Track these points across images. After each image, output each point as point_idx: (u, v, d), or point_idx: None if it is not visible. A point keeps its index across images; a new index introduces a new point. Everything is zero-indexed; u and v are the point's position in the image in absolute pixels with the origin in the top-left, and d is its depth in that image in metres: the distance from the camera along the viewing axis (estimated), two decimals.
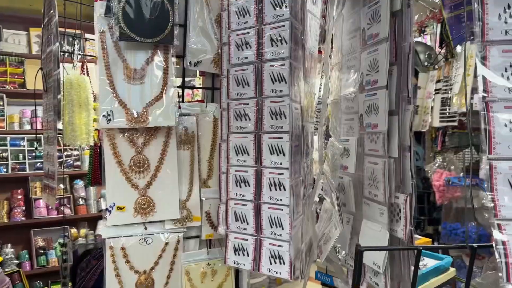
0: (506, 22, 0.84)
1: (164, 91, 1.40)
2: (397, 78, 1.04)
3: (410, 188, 0.99)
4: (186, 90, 1.59)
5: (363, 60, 1.16)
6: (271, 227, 1.26)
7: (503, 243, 0.75)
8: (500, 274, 0.75)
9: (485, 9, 0.85)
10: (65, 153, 3.82)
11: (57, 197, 2.41)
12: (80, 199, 3.86)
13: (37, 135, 3.72)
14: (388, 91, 1.04)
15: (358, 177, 1.20)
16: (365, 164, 1.14)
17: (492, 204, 0.78)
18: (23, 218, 3.71)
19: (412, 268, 0.94)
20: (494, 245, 0.76)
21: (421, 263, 1.47)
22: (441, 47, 2.84)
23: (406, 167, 1.01)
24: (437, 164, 2.57)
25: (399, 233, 0.99)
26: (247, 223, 1.31)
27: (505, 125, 0.80)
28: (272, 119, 1.24)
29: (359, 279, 0.79)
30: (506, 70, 0.83)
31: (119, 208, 1.40)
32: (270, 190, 1.25)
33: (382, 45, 1.06)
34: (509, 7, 0.85)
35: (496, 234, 0.77)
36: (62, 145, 3.55)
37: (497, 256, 0.76)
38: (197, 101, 1.82)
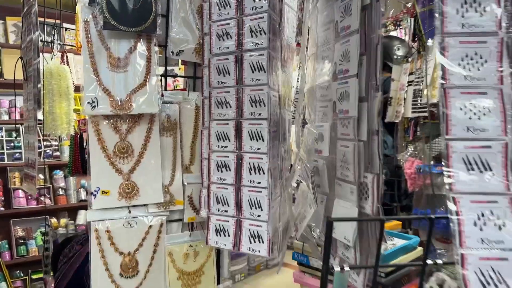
0: (463, 16, 0.93)
1: (147, 79, 1.45)
2: (366, 67, 1.12)
3: (378, 169, 1.08)
4: (167, 80, 1.64)
5: (336, 51, 1.24)
6: (251, 208, 1.33)
7: (457, 213, 0.85)
8: (454, 241, 0.84)
9: (444, 4, 0.93)
10: (45, 143, 3.80)
11: (36, 187, 2.42)
12: (60, 189, 3.84)
13: (16, 125, 3.69)
14: (358, 80, 1.12)
15: (331, 160, 1.28)
16: (337, 147, 1.22)
17: (449, 180, 0.88)
18: (2, 208, 3.68)
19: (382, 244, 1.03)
20: (449, 215, 0.86)
21: (390, 242, 1.57)
22: (413, 40, 2.95)
23: (374, 149, 1.09)
24: (409, 153, 2.69)
25: (367, 209, 1.08)
26: (228, 206, 1.38)
27: (461, 109, 0.89)
28: (252, 106, 1.31)
29: (329, 248, 0.87)
30: (462, 59, 0.92)
31: (104, 192, 1.44)
32: (250, 174, 1.32)
33: (353, 36, 1.14)
34: (465, 2, 0.94)
35: (451, 206, 0.86)
36: (41, 135, 3.53)
37: (451, 225, 0.85)
38: (179, 89, 1.87)
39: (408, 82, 2.87)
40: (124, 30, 1.39)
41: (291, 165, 1.57)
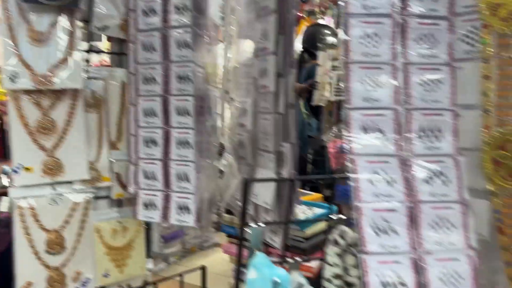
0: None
1: (70, 54, 1.43)
2: (284, 45, 1.22)
3: (294, 138, 1.19)
4: (93, 58, 1.63)
5: (257, 30, 1.33)
6: (179, 182, 1.39)
7: (355, 172, 0.97)
8: (352, 196, 0.97)
9: None
10: None
11: None
12: None
13: None
14: (276, 57, 1.21)
15: (254, 132, 1.37)
16: (259, 120, 1.32)
17: (349, 144, 1.00)
18: None
19: (295, 204, 1.14)
20: (348, 174, 0.98)
21: (310, 211, 1.70)
22: (338, 27, 3.14)
23: (291, 121, 1.20)
24: (332, 134, 2.89)
25: (284, 175, 1.19)
26: (156, 180, 1.42)
27: (359, 82, 1.01)
28: (179, 82, 1.35)
29: (245, 206, 0.96)
30: (362, 38, 1.03)
31: (26, 169, 1.41)
32: (178, 148, 1.38)
33: (271, 17, 1.23)
34: None
35: (350, 166, 0.98)
36: None
37: (349, 183, 0.97)
38: (105, 65, 1.86)
39: (333, 67, 3.05)
40: (46, 3, 1.36)
41: (219, 141, 1.64)
